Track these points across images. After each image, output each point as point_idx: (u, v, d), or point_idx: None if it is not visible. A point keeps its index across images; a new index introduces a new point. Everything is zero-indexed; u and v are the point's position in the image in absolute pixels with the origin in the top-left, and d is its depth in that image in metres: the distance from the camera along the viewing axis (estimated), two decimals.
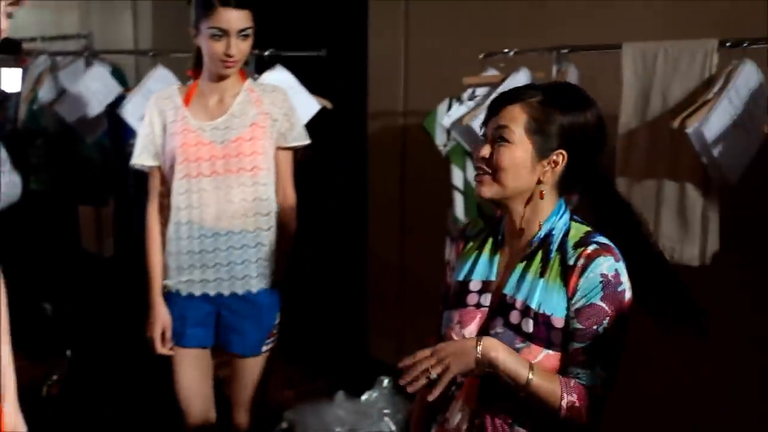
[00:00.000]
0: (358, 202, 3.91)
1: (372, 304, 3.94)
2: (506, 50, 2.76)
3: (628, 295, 1.44)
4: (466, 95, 2.77)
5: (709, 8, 2.46)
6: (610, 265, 1.42)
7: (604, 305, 1.41)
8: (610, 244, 1.46)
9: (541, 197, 1.49)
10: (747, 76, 2.12)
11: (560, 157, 1.48)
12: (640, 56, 2.33)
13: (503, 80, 2.70)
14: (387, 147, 3.70)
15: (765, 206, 2.37)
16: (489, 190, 1.49)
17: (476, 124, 2.64)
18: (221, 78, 2.26)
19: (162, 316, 2.30)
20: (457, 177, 2.80)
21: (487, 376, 1.45)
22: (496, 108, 1.50)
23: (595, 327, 1.41)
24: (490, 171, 1.48)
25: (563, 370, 1.44)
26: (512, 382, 1.40)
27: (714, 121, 2.07)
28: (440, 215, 3.33)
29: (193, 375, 2.35)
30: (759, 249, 2.39)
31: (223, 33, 2.14)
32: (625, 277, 1.44)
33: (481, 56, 2.82)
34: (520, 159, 1.46)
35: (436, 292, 3.18)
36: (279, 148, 2.34)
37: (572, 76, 2.59)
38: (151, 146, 2.30)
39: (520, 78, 2.67)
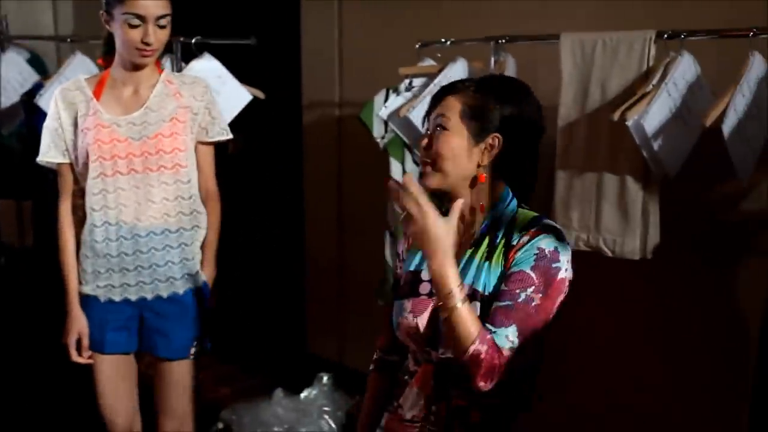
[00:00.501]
0: (293, 196, 3.81)
1: (310, 299, 3.86)
2: (443, 40, 2.69)
3: (562, 276, 1.44)
4: (403, 86, 2.70)
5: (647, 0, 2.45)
6: (549, 242, 1.45)
7: (532, 274, 1.42)
8: (557, 226, 1.49)
9: (482, 180, 1.51)
10: (684, 68, 2.10)
11: (496, 140, 1.50)
12: (578, 47, 2.29)
13: (440, 70, 2.64)
14: (323, 139, 3.61)
15: (704, 199, 2.37)
16: (433, 181, 1.51)
17: (414, 115, 2.58)
18: (136, 68, 2.12)
19: (78, 323, 2.16)
20: (396, 170, 2.72)
21: (441, 363, 1.48)
22: (435, 101, 1.55)
23: (518, 291, 1.42)
24: (429, 161, 1.51)
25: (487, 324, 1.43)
26: (442, 299, 1.39)
27: (654, 114, 2.05)
28: (378, 208, 3.26)
29: (115, 383, 2.22)
30: (698, 241, 2.39)
31: (140, 20, 2.02)
32: (564, 259, 1.45)
33: (417, 46, 2.74)
34: (457, 144, 1.49)
35: (375, 285, 3.16)
36: (200, 143, 2.22)
37: (510, 66, 2.54)
38: (60, 141, 2.15)
39: (458, 68, 2.62)
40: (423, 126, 1.58)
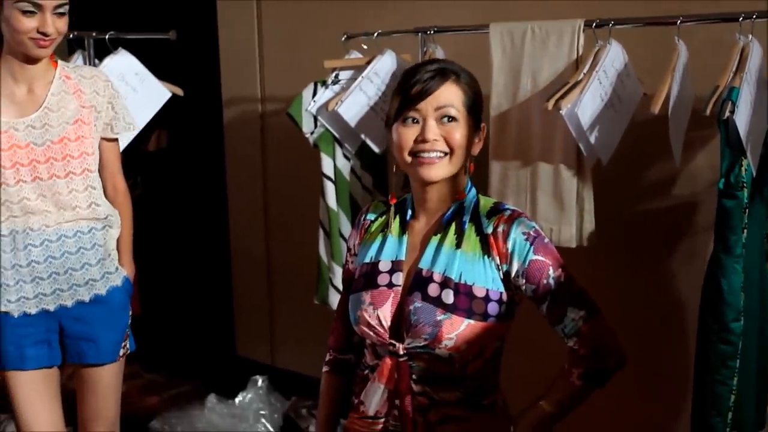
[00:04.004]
0: (216, 194, 3.69)
1: (237, 300, 3.76)
2: (369, 32, 2.64)
3: (553, 245, 1.50)
4: (330, 79, 2.64)
5: None
6: (527, 224, 1.48)
7: (540, 257, 1.45)
8: (516, 208, 1.53)
9: (471, 171, 1.53)
10: (613, 57, 2.12)
11: (484, 129, 1.55)
12: (508, 36, 2.28)
13: (368, 63, 2.59)
14: (245, 134, 3.52)
15: (635, 185, 2.41)
16: (443, 171, 1.47)
17: (343, 109, 2.53)
18: (30, 61, 1.97)
19: None
20: (327, 165, 2.66)
21: (407, 354, 1.45)
22: (425, 91, 1.46)
23: (544, 280, 1.44)
24: (445, 151, 1.46)
25: (557, 329, 1.48)
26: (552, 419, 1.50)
27: (586, 102, 2.06)
28: (306, 204, 3.19)
29: (41, 400, 2.06)
30: (631, 227, 2.43)
31: (36, 8, 1.88)
32: (544, 233, 1.52)
33: (342, 38, 2.69)
34: (466, 134, 1.48)
35: (306, 283, 3.10)
36: (104, 139, 2.11)
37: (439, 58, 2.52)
38: None
39: (386, 60, 2.58)
40: (401, 115, 1.48)
